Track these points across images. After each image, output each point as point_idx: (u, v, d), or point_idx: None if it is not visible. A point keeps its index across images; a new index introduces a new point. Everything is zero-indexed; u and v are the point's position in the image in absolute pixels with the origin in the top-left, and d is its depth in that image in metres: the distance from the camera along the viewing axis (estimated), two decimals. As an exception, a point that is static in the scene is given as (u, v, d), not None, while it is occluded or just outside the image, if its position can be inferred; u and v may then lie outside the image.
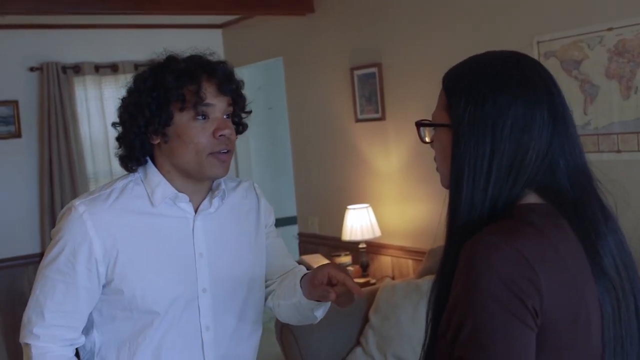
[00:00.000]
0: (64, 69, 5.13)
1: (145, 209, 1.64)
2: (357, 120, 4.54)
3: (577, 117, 2.93)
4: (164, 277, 1.64)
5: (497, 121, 1.09)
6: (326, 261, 4.54)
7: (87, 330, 1.67)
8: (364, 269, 4.42)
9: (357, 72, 4.47)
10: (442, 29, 3.84)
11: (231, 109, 1.65)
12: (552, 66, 3.12)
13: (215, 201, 1.70)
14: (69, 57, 5.20)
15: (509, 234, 1.03)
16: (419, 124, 1.23)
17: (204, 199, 1.70)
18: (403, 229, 4.31)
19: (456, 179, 1.12)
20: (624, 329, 1.10)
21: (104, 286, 1.63)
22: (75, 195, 5.09)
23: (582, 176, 1.14)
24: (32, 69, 5.08)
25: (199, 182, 1.67)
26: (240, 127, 1.74)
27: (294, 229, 5.28)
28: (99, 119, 5.28)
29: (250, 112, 1.75)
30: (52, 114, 5.03)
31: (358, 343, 3.61)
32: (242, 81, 1.70)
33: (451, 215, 1.14)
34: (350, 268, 4.33)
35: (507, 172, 1.09)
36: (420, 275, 3.73)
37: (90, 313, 1.66)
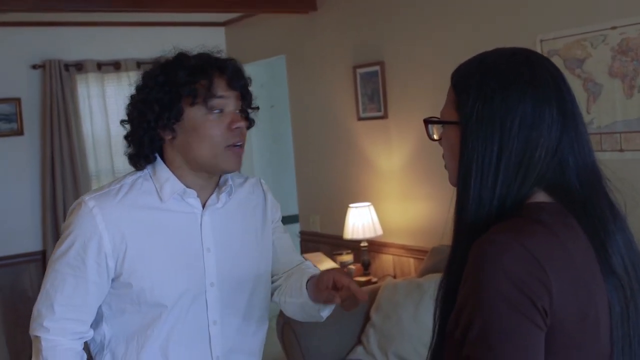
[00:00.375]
0: (67, 66, 5.13)
1: (154, 204, 1.67)
2: (360, 119, 4.53)
3: (580, 116, 2.92)
4: (172, 271, 1.66)
5: (505, 118, 1.08)
6: (328, 259, 4.54)
7: (96, 323, 1.70)
8: (366, 268, 4.42)
9: (359, 70, 4.47)
10: (445, 28, 3.83)
11: (240, 103, 1.69)
12: (555, 65, 3.11)
13: (223, 196, 1.73)
14: (72, 54, 5.20)
15: (519, 233, 1.03)
16: (427, 122, 1.23)
17: (211, 194, 1.73)
18: (405, 228, 4.30)
19: (464, 176, 1.11)
20: (632, 328, 1.10)
21: (113, 280, 1.65)
22: (77, 193, 5.09)
23: (591, 174, 1.13)
24: (34, 67, 5.08)
25: (209, 177, 1.70)
26: (247, 123, 1.77)
27: (295, 227, 5.27)
28: (101, 116, 5.28)
29: (257, 108, 1.78)
30: (55, 111, 5.04)
31: (359, 341, 3.60)
32: (249, 78, 1.73)
33: (459, 213, 1.13)
34: (351, 267, 4.32)
35: (516, 170, 1.08)
36: (422, 274, 3.73)
37: (100, 306, 1.68)
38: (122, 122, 1.71)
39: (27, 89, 5.09)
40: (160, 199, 1.66)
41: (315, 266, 1.91)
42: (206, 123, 1.62)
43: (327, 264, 4.50)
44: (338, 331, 3.59)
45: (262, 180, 1.91)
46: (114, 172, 5.30)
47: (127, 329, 1.68)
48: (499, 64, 1.12)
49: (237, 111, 1.67)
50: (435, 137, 1.23)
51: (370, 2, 4.33)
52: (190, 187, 1.68)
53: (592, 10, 3.08)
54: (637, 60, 2.93)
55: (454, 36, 3.76)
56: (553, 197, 1.11)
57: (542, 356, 1.00)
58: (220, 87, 1.63)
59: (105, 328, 1.69)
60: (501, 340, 0.98)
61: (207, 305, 1.70)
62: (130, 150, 1.70)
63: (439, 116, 1.21)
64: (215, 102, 1.62)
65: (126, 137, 1.70)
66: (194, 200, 1.69)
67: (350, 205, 4.36)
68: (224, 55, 1.70)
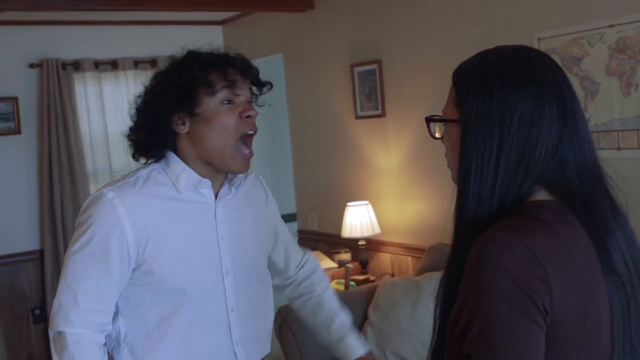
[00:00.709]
0: (64, 65, 5.12)
1: (171, 194, 1.72)
2: (357, 117, 4.53)
3: (578, 115, 2.92)
4: (191, 258, 1.72)
5: (505, 116, 1.08)
6: (326, 258, 4.54)
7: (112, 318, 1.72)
8: (364, 266, 4.42)
9: (357, 69, 4.47)
10: (443, 26, 3.83)
11: (250, 95, 1.77)
12: (552, 63, 3.11)
13: (233, 188, 1.80)
14: (69, 53, 5.19)
15: (519, 231, 1.03)
16: (429, 120, 1.23)
17: (221, 186, 1.79)
18: (403, 226, 4.30)
19: (464, 174, 1.12)
20: (633, 327, 1.10)
21: (133, 270, 1.68)
22: (75, 191, 5.09)
23: (592, 172, 1.13)
24: (31, 66, 5.08)
25: (218, 171, 1.76)
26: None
27: (293, 226, 5.27)
28: (98, 115, 5.27)
29: (270, 84, 1.87)
30: (52, 110, 5.03)
31: (357, 340, 3.60)
32: (257, 68, 1.82)
33: (459, 211, 1.13)
34: (349, 265, 4.32)
35: (516, 168, 1.08)
36: (420, 272, 3.73)
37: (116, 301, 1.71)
38: (134, 113, 1.75)
39: (25, 88, 5.08)
40: (177, 190, 1.71)
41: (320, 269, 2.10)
42: (219, 113, 1.67)
43: (325, 262, 4.51)
44: (336, 330, 3.59)
45: (260, 177, 1.99)
46: (112, 171, 5.30)
47: (147, 321, 1.71)
48: (499, 62, 1.12)
49: (248, 101, 1.74)
50: (437, 135, 1.23)
51: (368, 1, 4.33)
52: (204, 178, 1.74)
53: (589, 8, 3.09)
54: (634, 58, 2.93)
55: (452, 35, 3.76)
56: (554, 195, 1.11)
57: (542, 354, 1.00)
58: (234, 77, 1.69)
59: (120, 322, 1.72)
60: (501, 338, 0.98)
61: (225, 293, 1.76)
62: (144, 138, 1.72)
63: (439, 114, 1.21)
64: (232, 91, 1.68)
65: (134, 129, 1.73)
66: (207, 191, 1.75)
67: (348, 203, 4.36)
68: (232, 52, 1.77)
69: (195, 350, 1.73)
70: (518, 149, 1.08)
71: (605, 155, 3.02)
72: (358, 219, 4.29)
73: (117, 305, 1.71)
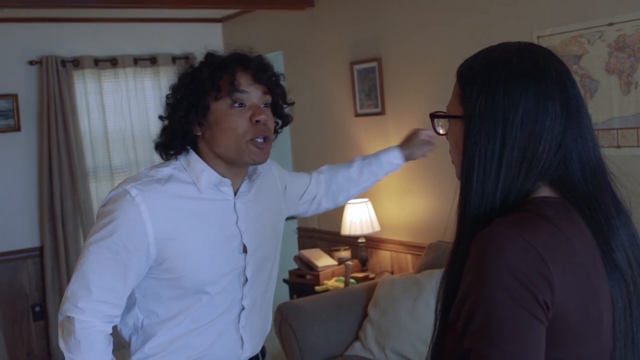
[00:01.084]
0: (64, 62, 5.12)
1: (192, 194, 1.74)
2: (357, 115, 4.53)
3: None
4: (213, 260, 1.74)
5: (508, 112, 1.08)
6: (325, 255, 4.54)
7: (128, 308, 1.76)
8: (363, 264, 4.42)
9: (356, 67, 4.47)
10: (442, 24, 3.83)
11: (268, 98, 1.76)
12: (552, 61, 3.11)
13: (253, 183, 1.83)
14: (69, 50, 5.19)
15: (521, 227, 1.03)
16: (433, 116, 1.23)
17: (241, 182, 1.81)
18: (402, 224, 4.31)
19: (467, 170, 1.12)
20: (635, 324, 1.10)
21: (152, 267, 1.70)
22: (74, 189, 5.09)
23: (595, 169, 1.13)
24: (31, 63, 5.07)
25: (239, 167, 1.78)
26: (283, 119, 1.86)
27: (293, 224, 5.27)
28: (98, 112, 5.27)
29: (292, 103, 1.87)
30: (52, 107, 5.03)
31: (357, 337, 3.61)
32: (282, 74, 1.81)
33: (462, 207, 1.13)
34: (349, 262, 4.33)
35: (519, 164, 1.09)
36: (419, 270, 3.74)
37: (133, 292, 1.74)
38: (161, 117, 1.78)
39: (24, 85, 5.08)
40: (198, 190, 1.73)
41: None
42: (229, 117, 1.68)
43: (325, 259, 4.51)
44: (335, 327, 3.59)
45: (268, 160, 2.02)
46: (112, 168, 5.30)
47: (163, 313, 1.75)
48: (503, 58, 1.12)
49: (263, 105, 1.73)
50: (441, 131, 1.23)
51: (368, -1, 4.34)
52: (225, 177, 1.76)
53: (588, 6, 3.09)
54: (633, 56, 2.93)
55: (451, 33, 3.76)
56: (557, 191, 1.11)
57: (543, 349, 1.01)
58: (244, 81, 1.69)
59: (138, 312, 1.76)
60: (502, 333, 0.99)
61: (242, 289, 1.80)
62: (162, 140, 1.77)
63: (443, 111, 1.22)
64: (237, 96, 1.68)
65: (163, 131, 1.77)
66: (227, 189, 1.77)
67: (348, 201, 4.36)
68: (254, 53, 1.77)
69: (206, 334, 1.78)
70: (521, 145, 1.08)
71: (605, 154, 3.00)
72: (358, 217, 4.29)
73: (135, 296, 1.74)
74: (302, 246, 5.15)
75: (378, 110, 4.35)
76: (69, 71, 5.13)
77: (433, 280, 3.40)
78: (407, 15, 4.07)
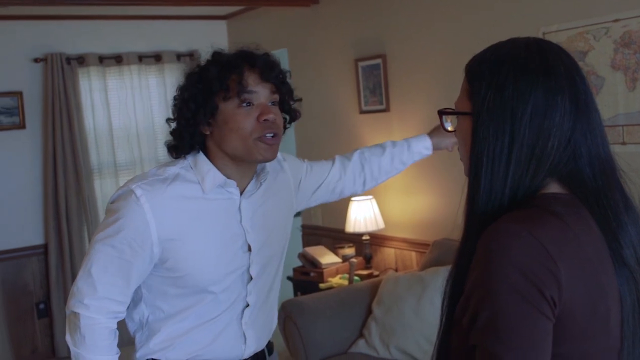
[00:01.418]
0: (68, 60, 5.12)
1: (197, 194, 1.74)
2: (362, 112, 4.53)
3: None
4: (218, 260, 1.75)
5: (517, 107, 1.07)
6: (330, 252, 4.54)
7: (135, 303, 1.79)
8: (368, 261, 4.42)
9: (361, 64, 4.46)
10: (447, 20, 3.82)
11: (276, 96, 1.75)
12: (557, 58, 3.10)
13: (261, 183, 1.82)
14: (73, 48, 5.19)
15: (531, 223, 1.02)
16: (441, 113, 1.22)
17: (249, 181, 1.81)
18: (407, 221, 4.30)
19: (475, 167, 1.11)
20: None
21: (156, 265, 1.72)
22: (79, 186, 5.10)
23: (605, 165, 1.12)
24: (36, 60, 5.08)
25: (248, 166, 1.78)
26: (291, 115, 1.86)
27: (297, 221, 5.27)
28: (103, 110, 5.27)
29: (300, 99, 1.87)
30: (56, 105, 5.03)
31: (361, 335, 3.61)
32: (288, 72, 1.81)
33: (470, 204, 1.12)
34: (353, 260, 4.33)
35: (528, 160, 1.08)
36: (424, 267, 3.73)
37: (139, 288, 1.76)
38: (168, 120, 1.79)
39: (29, 83, 5.08)
40: (203, 190, 1.74)
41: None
42: (236, 116, 1.68)
43: (329, 257, 4.51)
44: (340, 325, 3.59)
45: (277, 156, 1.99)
46: (116, 165, 5.30)
47: (168, 309, 1.77)
48: (511, 54, 1.11)
49: (272, 103, 1.73)
50: (450, 128, 1.23)
51: (372, -5, 4.33)
52: (231, 178, 1.76)
53: (594, 3, 3.08)
54: (639, 53, 2.92)
55: (456, 29, 3.75)
56: (566, 187, 1.10)
57: (549, 346, 1.00)
58: (251, 80, 1.69)
59: (144, 308, 1.78)
60: (509, 329, 0.98)
61: (247, 287, 1.80)
62: (171, 141, 1.78)
63: (451, 107, 1.21)
64: (245, 96, 1.68)
65: (171, 133, 1.78)
66: (233, 189, 1.78)
67: (352, 198, 4.36)
68: (261, 51, 1.77)
69: (209, 330, 1.80)
70: (530, 141, 1.07)
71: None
72: (362, 214, 4.29)
73: (141, 292, 1.77)
74: (306, 243, 5.14)
75: (383, 107, 4.35)
76: (74, 69, 5.14)
77: (437, 277, 3.39)
78: (411, 12, 4.06)
